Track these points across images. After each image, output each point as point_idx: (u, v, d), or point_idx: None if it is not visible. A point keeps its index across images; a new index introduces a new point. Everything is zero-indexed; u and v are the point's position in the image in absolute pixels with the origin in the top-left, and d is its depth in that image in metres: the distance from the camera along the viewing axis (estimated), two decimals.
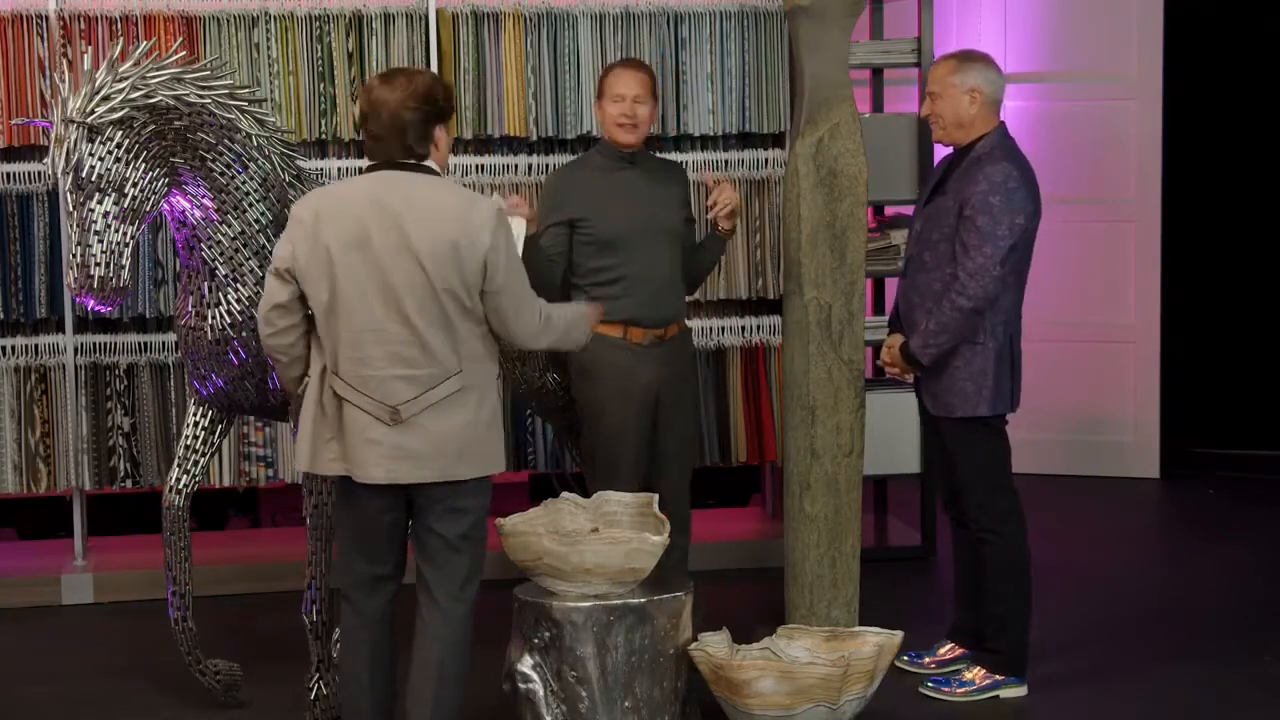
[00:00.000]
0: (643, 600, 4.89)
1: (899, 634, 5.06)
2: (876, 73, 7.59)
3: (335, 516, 4.73)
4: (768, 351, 7.36)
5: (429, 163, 4.55)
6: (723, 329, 7.35)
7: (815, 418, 5.66)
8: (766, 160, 7.33)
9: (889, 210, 7.53)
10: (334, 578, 4.82)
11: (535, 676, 4.89)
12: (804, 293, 5.65)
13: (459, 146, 7.21)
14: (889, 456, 7.17)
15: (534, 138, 7.22)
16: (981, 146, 5.43)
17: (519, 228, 5.15)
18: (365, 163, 7.02)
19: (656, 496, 5.17)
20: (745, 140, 7.39)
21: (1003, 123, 5.52)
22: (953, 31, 8.78)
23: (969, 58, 5.55)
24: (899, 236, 7.03)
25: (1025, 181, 5.36)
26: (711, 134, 7.34)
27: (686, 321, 5.98)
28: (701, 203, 6.67)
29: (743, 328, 7.37)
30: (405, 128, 4.49)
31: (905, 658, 5.72)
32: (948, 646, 5.75)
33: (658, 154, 6.32)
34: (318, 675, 5.34)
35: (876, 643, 5.00)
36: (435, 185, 4.49)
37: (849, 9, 5.63)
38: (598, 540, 4.90)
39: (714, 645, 4.97)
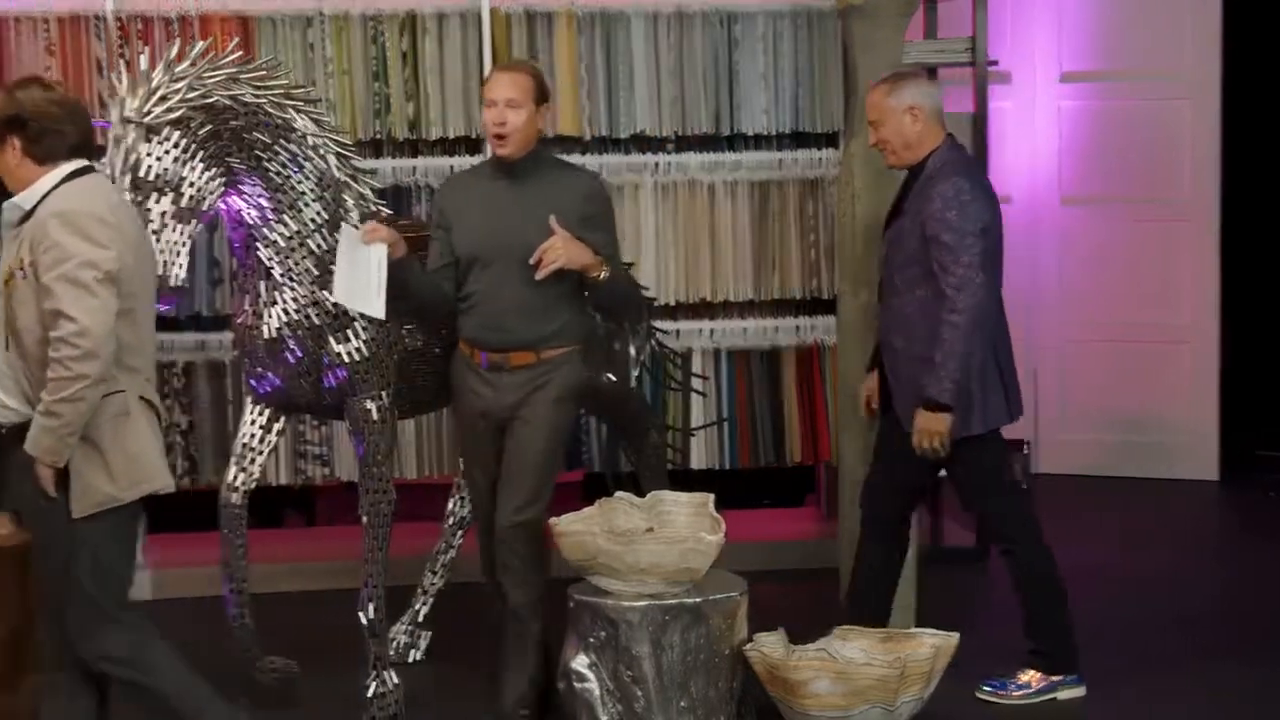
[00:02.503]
0: (698, 600, 4.89)
1: (955, 635, 5.04)
2: (930, 72, 7.54)
3: None
4: (822, 351, 7.34)
5: None
6: (777, 329, 7.33)
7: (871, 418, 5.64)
8: (820, 160, 7.30)
9: None
10: None
11: (591, 675, 4.89)
12: (858, 293, 5.64)
13: None
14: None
15: (588, 137, 7.22)
16: (933, 163, 5.34)
17: (378, 253, 5.03)
18: (421, 162, 7.09)
19: (712, 497, 5.15)
20: (799, 140, 7.36)
21: (949, 134, 5.44)
22: (1006, 31, 8.73)
23: (900, 77, 5.50)
24: None
25: (978, 192, 5.29)
26: (765, 134, 7.32)
27: (575, 348, 5.30)
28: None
29: (797, 327, 7.34)
30: None
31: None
32: None
33: (568, 160, 5.77)
34: (374, 674, 5.35)
35: (933, 644, 4.98)
36: None
37: (903, 8, 5.62)
38: (653, 540, 4.90)
39: (769, 645, 4.95)
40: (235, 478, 5.47)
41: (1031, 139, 8.95)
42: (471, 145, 7.22)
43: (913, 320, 5.32)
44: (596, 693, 4.89)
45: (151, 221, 5.01)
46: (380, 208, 5.53)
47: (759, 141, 7.35)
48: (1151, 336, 8.81)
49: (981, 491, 5.44)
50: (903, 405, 5.39)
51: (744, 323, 7.32)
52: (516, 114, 5.10)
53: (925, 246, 5.24)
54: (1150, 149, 8.75)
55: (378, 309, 5.06)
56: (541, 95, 5.19)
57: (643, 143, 7.28)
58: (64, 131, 4.44)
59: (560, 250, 5.00)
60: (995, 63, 7.60)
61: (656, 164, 7.23)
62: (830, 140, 7.34)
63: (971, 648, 5.65)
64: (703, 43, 7.25)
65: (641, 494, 5.36)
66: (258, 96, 5.19)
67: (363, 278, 5.03)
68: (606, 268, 5.12)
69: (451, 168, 7.13)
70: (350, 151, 5.47)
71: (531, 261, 5.01)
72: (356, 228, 5.14)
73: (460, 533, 6.15)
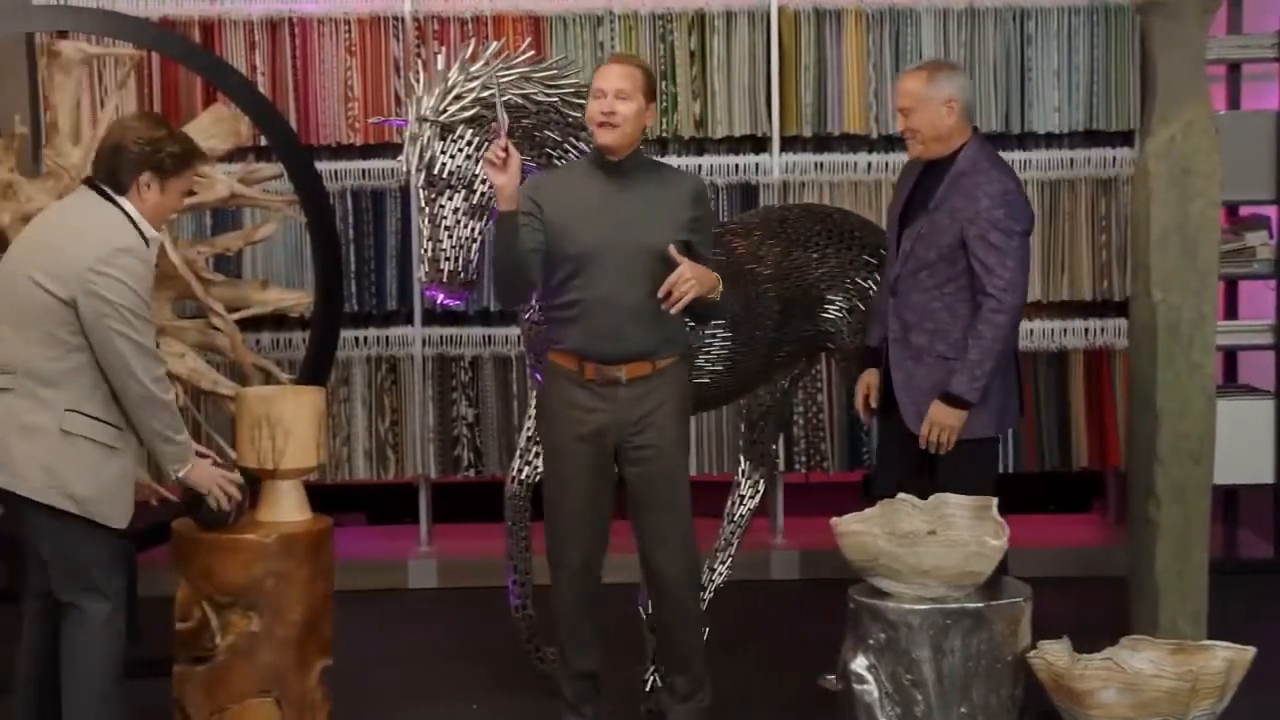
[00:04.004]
0: (980, 604, 4.81)
1: (1250, 650, 4.87)
2: (1233, 68, 7.32)
3: None
4: (1111, 354, 7.18)
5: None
6: (1065, 330, 7.21)
7: (1161, 423, 5.50)
8: (1114, 159, 7.16)
9: (1243, 211, 7.26)
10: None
11: (869, 678, 4.86)
12: (1152, 295, 5.51)
13: (798, 144, 7.22)
14: (1240, 465, 6.90)
15: (875, 135, 7.18)
16: (964, 158, 5.21)
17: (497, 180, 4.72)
18: (706, 160, 7.12)
19: (996, 500, 5.06)
20: (1092, 138, 7.23)
21: (976, 128, 5.32)
22: None
23: (940, 67, 5.36)
24: (1254, 238, 6.81)
25: (1020, 191, 5.23)
26: (1057, 132, 7.20)
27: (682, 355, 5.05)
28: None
29: (1086, 330, 7.20)
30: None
31: (830, 677, 5.42)
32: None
33: (667, 162, 5.58)
34: (653, 667, 5.39)
35: (1226, 658, 4.82)
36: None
37: (1206, 3, 5.46)
38: (935, 542, 4.84)
39: (1054, 653, 4.86)
40: (519, 470, 5.56)
41: None
42: (758, 144, 7.24)
43: (939, 317, 5.21)
44: (875, 695, 4.85)
45: (445, 218, 5.13)
46: None
47: (1050, 140, 7.23)
48: None
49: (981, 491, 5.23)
50: (916, 405, 5.26)
51: (1030, 324, 7.20)
52: (625, 105, 4.84)
53: (960, 243, 5.14)
54: None
55: None
56: (651, 91, 4.94)
57: None
58: None
59: (690, 279, 4.71)
60: None
61: None
62: (1125, 139, 7.19)
63: (1270, 663, 5.47)
64: (994, 39, 7.15)
65: (924, 496, 5.30)
66: (549, 95, 5.27)
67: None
68: (722, 284, 4.91)
69: (737, 166, 7.16)
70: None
71: (660, 294, 4.72)
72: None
73: (740, 530, 6.16)
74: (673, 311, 4.76)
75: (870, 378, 5.46)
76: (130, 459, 4.62)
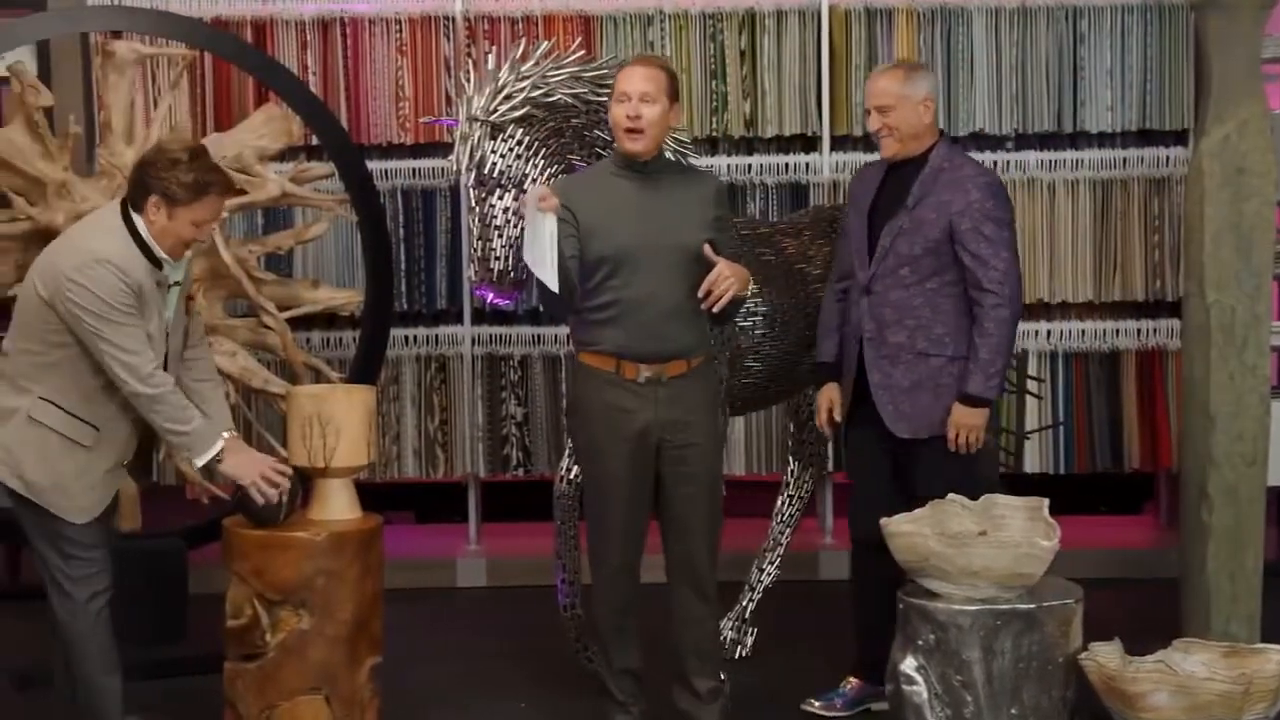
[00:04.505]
0: (1031, 606, 4.80)
1: None
2: None
3: None
4: (1164, 355, 7.14)
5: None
6: (1117, 331, 7.16)
7: (1215, 425, 5.47)
8: (1168, 159, 7.11)
9: None
10: None
11: (919, 679, 4.84)
12: (1206, 295, 5.48)
13: (848, 143, 7.20)
14: None
15: None
16: (938, 155, 5.22)
17: (550, 224, 4.73)
18: (756, 159, 7.11)
19: (1047, 501, 5.04)
20: (1145, 138, 7.18)
21: (942, 130, 5.38)
22: None
23: (915, 67, 5.43)
24: None
25: (1002, 184, 5.30)
26: (1109, 131, 7.16)
27: (712, 354, 5.13)
28: None
29: (1138, 330, 7.16)
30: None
31: (815, 702, 5.47)
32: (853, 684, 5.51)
33: (689, 163, 5.44)
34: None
35: None
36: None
37: (1263, 0, 5.42)
38: (985, 543, 4.83)
39: (1105, 655, 4.83)
40: (569, 469, 5.56)
41: None
42: (808, 143, 7.22)
43: (920, 313, 5.18)
44: (924, 696, 4.84)
45: (495, 217, 5.13)
46: None
47: (1103, 140, 7.19)
48: None
49: (959, 490, 5.17)
50: (895, 404, 5.22)
51: (1082, 324, 7.17)
52: (650, 108, 4.84)
53: (947, 238, 5.13)
54: None
55: (551, 279, 4.78)
56: (674, 92, 4.94)
57: (981, 140, 7.18)
58: None
59: (729, 277, 4.74)
60: None
61: (995, 162, 7.11)
62: (1179, 138, 7.14)
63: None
64: (1047, 38, 7.12)
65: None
66: (599, 95, 5.27)
67: (539, 245, 4.77)
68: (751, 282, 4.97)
69: (787, 165, 7.15)
70: (687, 149, 5.51)
71: (700, 294, 4.74)
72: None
73: (789, 530, 6.15)
74: (714, 310, 4.78)
75: (831, 392, 5.43)
76: (101, 459, 4.71)
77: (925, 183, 5.20)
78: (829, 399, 5.42)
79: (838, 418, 5.40)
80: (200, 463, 4.71)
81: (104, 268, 4.53)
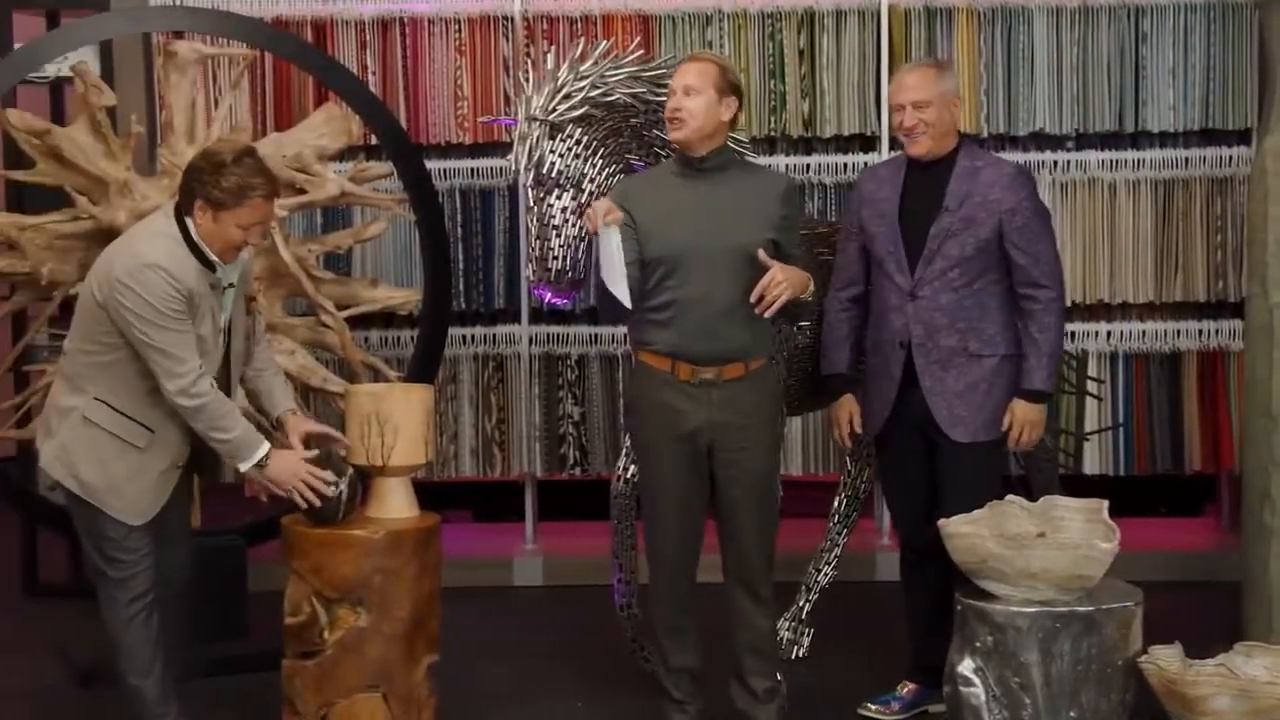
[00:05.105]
0: (1090, 608, 4.76)
1: None
2: None
3: None
4: (1226, 356, 7.08)
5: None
6: (1178, 332, 7.11)
7: (1277, 426, 5.44)
8: (1230, 158, 7.06)
9: None
10: None
11: (976, 680, 4.82)
12: (1269, 296, 5.44)
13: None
14: None
15: (985, 134, 7.12)
16: (967, 154, 5.18)
17: (615, 237, 4.70)
18: (815, 159, 7.10)
19: (1106, 503, 5.00)
20: (1207, 137, 7.13)
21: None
22: None
23: (945, 65, 5.41)
24: None
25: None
26: (1171, 131, 7.11)
27: (770, 359, 5.04)
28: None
29: (1200, 331, 7.11)
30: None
31: (872, 705, 5.43)
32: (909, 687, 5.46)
33: (758, 161, 5.44)
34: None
35: None
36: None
37: None
38: (1044, 545, 4.80)
39: (1166, 658, 4.80)
40: (626, 469, 5.56)
41: None
42: (866, 143, 7.20)
43: (970, 315, 5.13)
44: (982, 698, 4.81)
45: (553, 217, 5.14)
46: None
47: (1164, 139, 7.15)
48: None
49: (978, 496, 5.09)
50: (950, 408, 5.14)
51: (1143, 325, 7.12)
52: (692, 100, 4.82)
53: (996, 236, 5.08)
54: None
55: (623, 294, 4.73)
56: (727, 85, 4.86)
57: (1042, 140, 7.15)
58: None
59: (782, 281, 4.70)
60: None
61: (1055, 162, 7.08)
62: (1242, 138, 7.09)
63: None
64: (1108, 37, 7.08)
65: (1032, 498, 5.25)
66: (658, 94, 5.27)
67: (608, 260, 4.75)
68: (813, 284, 4.91)
69: (846, 165, 7.13)
70: (746, 148, 5.49)
71: (753, 299, 4.71)
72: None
73: (845, 530, 6.14)
74: (766, 315, 4.76)
75: (849, 404, 5.36)
76: (155, 461, 4.73)
77: (963, 182, 5.13)
78: (848, 411, 5.36)
79: (858, 429, 5.36)
80: (244, 468, 4.73)
81: (154, 272, 4.55)
